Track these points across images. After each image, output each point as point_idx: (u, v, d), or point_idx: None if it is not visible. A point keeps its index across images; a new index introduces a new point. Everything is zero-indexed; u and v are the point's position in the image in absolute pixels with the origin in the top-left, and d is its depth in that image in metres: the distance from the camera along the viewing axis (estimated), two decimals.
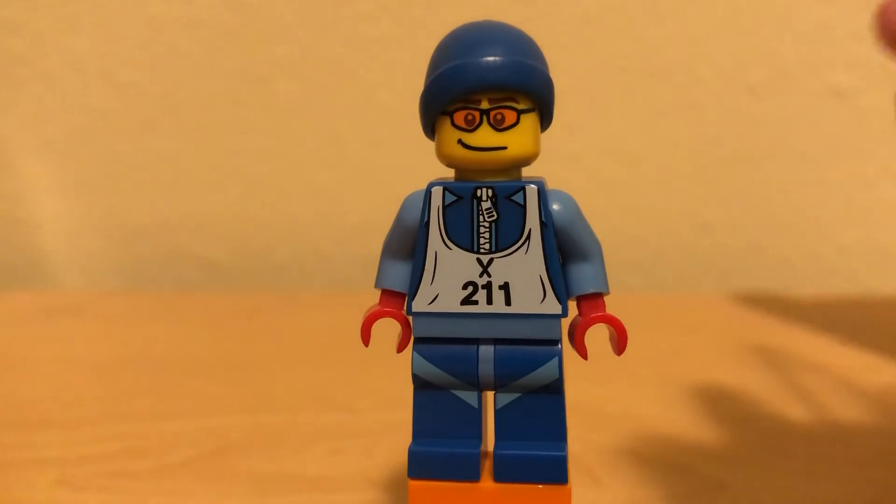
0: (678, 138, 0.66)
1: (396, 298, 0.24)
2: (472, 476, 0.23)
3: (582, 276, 0.23)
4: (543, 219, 0.22)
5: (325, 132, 0.68)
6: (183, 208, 0.71)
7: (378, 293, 0.24)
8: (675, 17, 0.64)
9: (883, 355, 0.48)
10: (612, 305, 0.23)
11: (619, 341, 0.23)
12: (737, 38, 0.64)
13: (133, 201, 0.71)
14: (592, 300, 0.23)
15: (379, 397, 0.42)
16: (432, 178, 0.23)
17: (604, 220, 0.35)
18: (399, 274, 0.24)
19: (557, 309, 0.23)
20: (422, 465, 0.23)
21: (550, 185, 0.23)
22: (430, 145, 0.23)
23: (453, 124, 0.22)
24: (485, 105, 0.22)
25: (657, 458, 0.34)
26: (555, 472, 0.23)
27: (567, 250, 0.23)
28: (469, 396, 0.24)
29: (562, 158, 0.66)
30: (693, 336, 0.53)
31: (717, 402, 0.41)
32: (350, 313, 0.32)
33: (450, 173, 0.24)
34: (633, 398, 0.41)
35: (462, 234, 0.23)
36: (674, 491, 0.31)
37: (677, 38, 0.65)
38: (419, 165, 0.32)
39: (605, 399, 0.41)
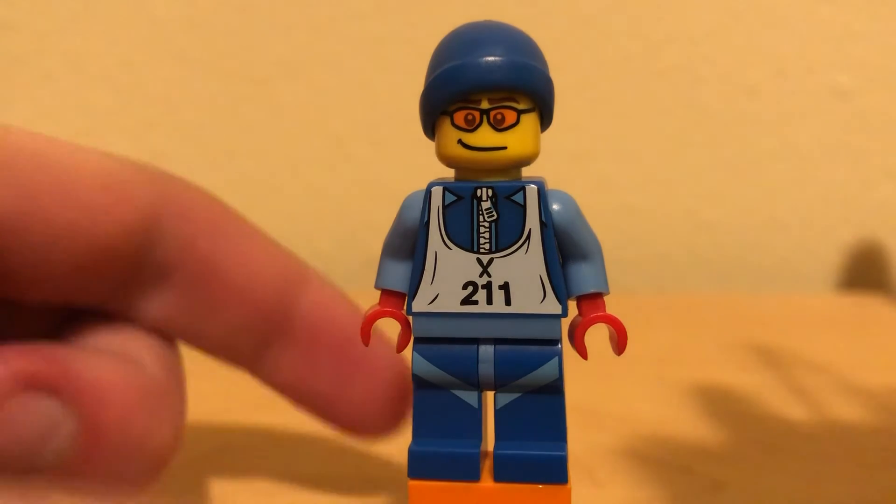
0: (678, 138, 0.66)
1: (396, 298, 0.24)
2: (472, 476, 0.23)
3: (582, 276, 0.23)
4: (543, 219, 0.22)
5: (325, 132, 0.68)
6: None
7: (378, 293, 0.24)
8: (676, 17, 0.64)
9: (883, 355, 0.48)
10: (612, 305, 0.23)
11: (619, 341, 0.23)
12: (737, 38, 0.64)
13: None
14: (592, 300, 0.23)
15: None
16: (432, 178, 0.23)
17: (604, 220, 0.35)
18: (399, 274, 0.24)
19: (557, 309, 0.23)
20: (422, 464, 0.23)
21: (550, 185, 0.23)
22: (430, 145, 0.23)
23: (453, 124, 0.22)
24: (485, 105, 0.22)
25: (657, 458, 0.34)
26: (555, 472, 0.23)
27: (567, 250, 0.23)
28: (469, 396, 0.24)
29: (562, 158, 0.66)
30: (693, 336, 0.52)
31: (717, 402, 0.41)
32: None
33: (450, 173, 0.24)
34: (633, 398, 0.41)
35: (462, 234, 0.23)
36: (673, 491, 0.31)
37: (677, 38, 0.65)
38: (419, 165, 0.32)
39: (605, 399, 0.41)
